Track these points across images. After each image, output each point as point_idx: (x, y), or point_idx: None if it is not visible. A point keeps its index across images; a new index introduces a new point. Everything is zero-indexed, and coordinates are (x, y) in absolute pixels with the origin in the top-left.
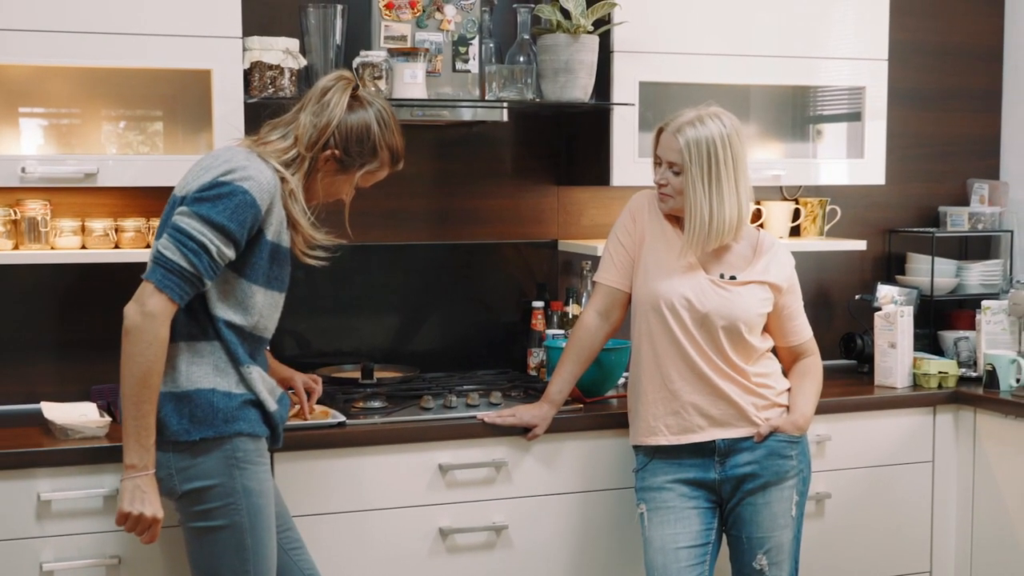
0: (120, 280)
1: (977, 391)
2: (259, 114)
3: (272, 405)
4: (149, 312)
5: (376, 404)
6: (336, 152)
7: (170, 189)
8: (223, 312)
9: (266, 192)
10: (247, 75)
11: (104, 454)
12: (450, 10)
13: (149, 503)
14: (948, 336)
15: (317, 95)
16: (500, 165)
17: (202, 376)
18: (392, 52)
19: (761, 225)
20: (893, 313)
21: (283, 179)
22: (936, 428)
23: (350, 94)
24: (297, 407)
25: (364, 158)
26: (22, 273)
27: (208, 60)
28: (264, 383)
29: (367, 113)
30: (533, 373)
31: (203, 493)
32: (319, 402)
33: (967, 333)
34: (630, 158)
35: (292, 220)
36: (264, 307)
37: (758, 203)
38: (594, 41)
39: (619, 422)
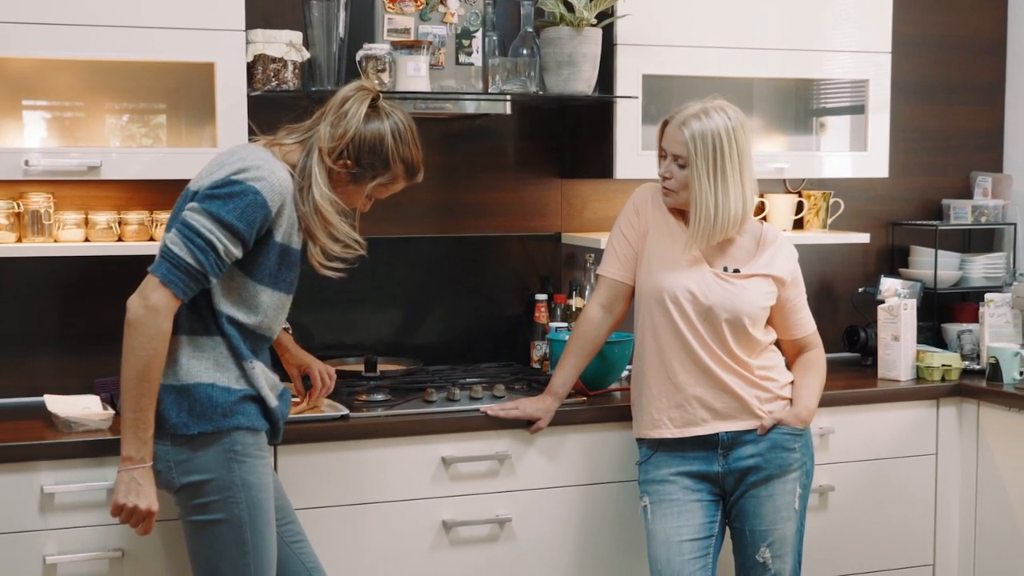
0: (123, 273)
1: (980, 384)
2: (261, 107)
3: (273, 401)
4: (152, 306)
5: (379, 397)
6: (348, 162)
7: (173, 182)
8: (227, 308)
9: (277, 193)
10: (250, 68)
11: (107, 447)
12: (453, 3)
13: (144, 495)
14: (951, 329)
15: (336, 105)
16: (503, 158)
17: (202, 371)
18: (395, 45)
19: (764, 218)
20: (896, 306)
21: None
22: (939, 421)
23: (368, 104)
24: (301, 402)
25: (376, 170)
26: (25, 266)
27: (211, 53)
28: (267, 379)
29: (383, 124)
30: (536, 366)
31: (201, 486)
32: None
33: (970, 326)
34: (633, 151)
35: (309, 232)
36: (269, 307)
37: (761, 196)
38: (597, 34)
39: (622, 415)
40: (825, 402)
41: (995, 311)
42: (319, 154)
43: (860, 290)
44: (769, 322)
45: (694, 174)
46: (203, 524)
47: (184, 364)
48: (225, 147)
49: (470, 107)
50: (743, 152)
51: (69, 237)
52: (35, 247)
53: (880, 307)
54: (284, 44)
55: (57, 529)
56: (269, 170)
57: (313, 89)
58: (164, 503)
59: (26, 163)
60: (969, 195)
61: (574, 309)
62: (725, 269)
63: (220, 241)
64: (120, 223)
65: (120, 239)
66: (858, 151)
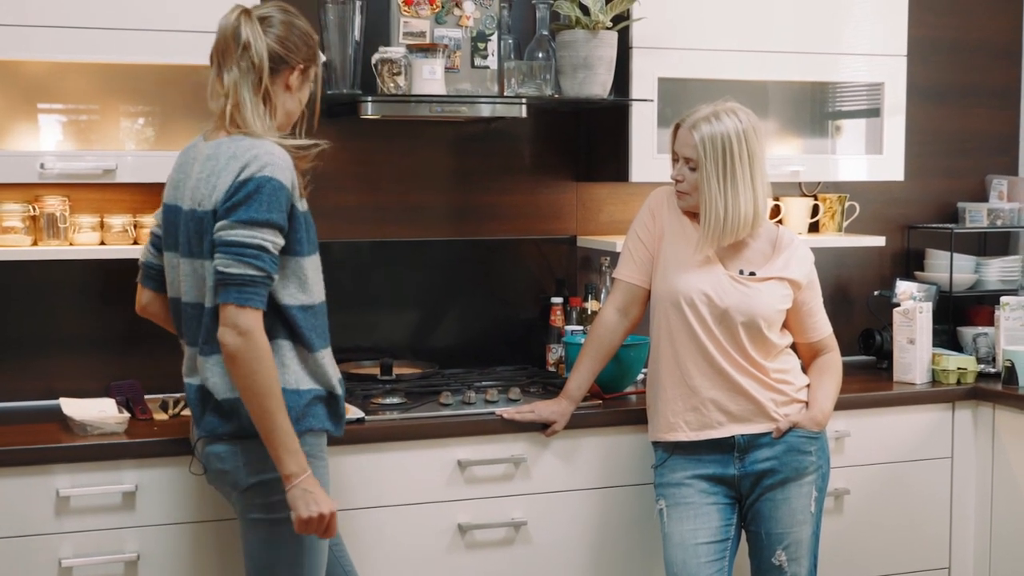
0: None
1: (996, 387)
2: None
3: (339, 390)
4: (244, 331)
5: (395, 400)
6: (300, 66)
7: None
8: (288, 298)
9: (287, 169)
10: None
11: (122, 450)
12: (469, 6)
13: (322, 502)
14: (967, 332)
15: (236, 45)
16: (519, 161)
17: None
18: (411, 48)
19: (780, 221)
20: (912, 309)
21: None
22: (955, 424)
23: (256, 19)
24: None
25: (310, 59)
26: (41, 269)
27: None
28: (333, 368)
29: (283, 18)
30: (552, 369)
31: (269, 486)
32: None
33: (986, 329)
34: (649, 154)
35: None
36: (312, 272)
37: (777, 199)
38: (613, 37)
39: (638, 418)
40: (841, 405)
41: (1011, 314)
42: (279, 90)
43: (876, 293)
44: (785, 325)
45: (703, 176)
46: (267, 523)
47: None
48: None
49: (485, 110)
50: (753, 154)
51: (84, 240)
52: (51, 250)
53: (896, 310)
54: None
55: (73, 532)
56: (265, 150)
57: (329, 92)
58: (190, 505)
59: (42, 166)
60: (985, 198)
61: (590, 312)
62: (741, 272)
63: (266, 240)
64: (135, 226)
65: (136, 242)
66: (874, 154)
